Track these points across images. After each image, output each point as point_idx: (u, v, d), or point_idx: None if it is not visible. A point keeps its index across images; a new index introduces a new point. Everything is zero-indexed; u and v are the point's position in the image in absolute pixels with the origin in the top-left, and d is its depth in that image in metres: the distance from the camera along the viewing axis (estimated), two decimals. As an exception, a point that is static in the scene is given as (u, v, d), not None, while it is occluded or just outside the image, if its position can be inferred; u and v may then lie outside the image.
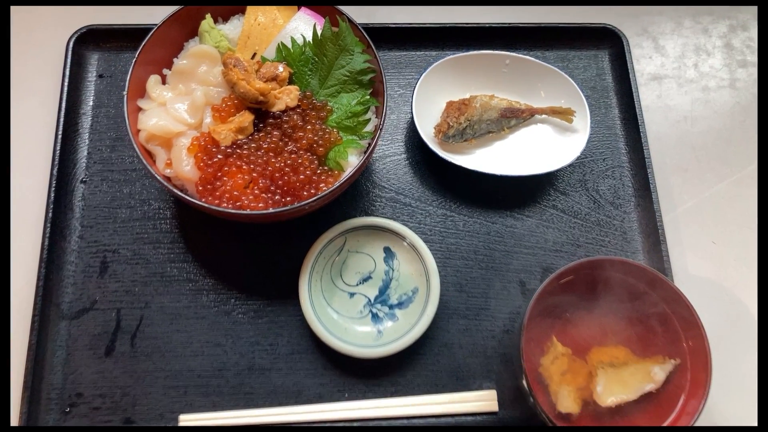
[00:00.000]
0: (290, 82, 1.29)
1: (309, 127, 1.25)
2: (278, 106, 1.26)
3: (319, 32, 1.29)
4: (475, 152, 1.49)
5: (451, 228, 1.43)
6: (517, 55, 1.51)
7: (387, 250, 1.37)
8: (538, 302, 1.13)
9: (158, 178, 1.15)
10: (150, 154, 1.24)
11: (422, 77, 1.44)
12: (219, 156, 1.21)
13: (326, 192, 1.19)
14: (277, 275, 1.33)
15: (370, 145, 1.25)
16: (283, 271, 1.33)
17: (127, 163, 1.43)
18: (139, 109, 1.26)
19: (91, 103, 1.48)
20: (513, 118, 1.50)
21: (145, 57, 1.24)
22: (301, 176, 1.22)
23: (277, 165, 1.21)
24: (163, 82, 1.29)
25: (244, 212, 1.15)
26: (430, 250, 1.32)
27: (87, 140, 1.46)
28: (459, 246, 1.42)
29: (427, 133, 1.40)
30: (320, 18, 1.34)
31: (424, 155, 1.47)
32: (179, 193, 1.16)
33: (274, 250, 1.35)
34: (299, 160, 1.22)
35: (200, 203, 1.17)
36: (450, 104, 1.46)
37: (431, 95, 1.45)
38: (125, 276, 1.35)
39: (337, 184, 1.20)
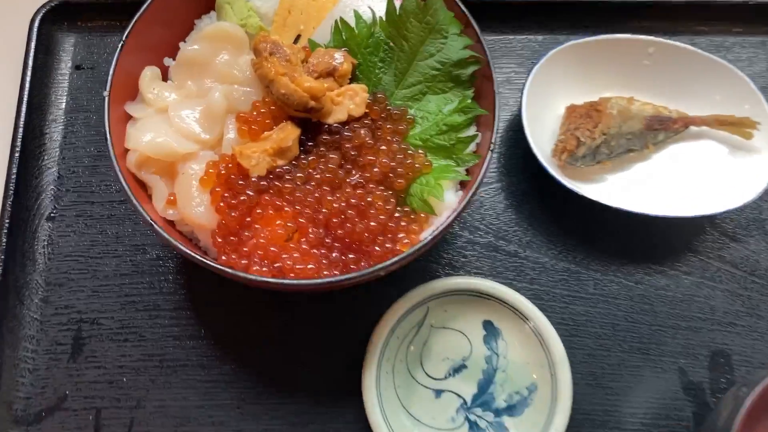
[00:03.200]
0: (353, 78, 1.01)
1: (383, 147, 0.96)
2: (337, 116, 0.96)
3: (397, 5, 1.00)
4: (606, 179, 1.18)
5: (576, 290, 1.13)
6: (664, 41, 1.19)
7: (488, 325, 1.07)
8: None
9: (153, 224, 0.89)
10: (143, 187, 0.98)
11: (534, 71, 1.15)
12: (248, 192, 0.93)
13: (412, 251, 0.89)
14: (329, 363, 1.07)
15: (475, 174, 0.96)
16: (337, 357, 1.06)
17: (113, 192, 1.16)
18: (129, 118, 0.99)
19: (63, 106, 1.22)
20: (661, 130, 1.17)
21: (137, 41, 0.98)
22: (372, 223, 0.93)
23: (335, 206, 0.93)
24: (164, 78, 1.03)
25: (286, 281, 0.88)
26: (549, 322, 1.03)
27: (57, 158, 1.18)
28: (590, 317, 1.11)
29: (541, 151, 1.12)
30: (392, -16, 1.08)
31: (534, 183, 1.19)
32: (185, 249, 0.88)
33: (324, 325, 1.09)
34: (369, 199, 0.94)
35: (218, 266, 0.87)
36: (572, 110, 1.18)
37: (544, 97, 1.17)
38: (108, 359, 1.06)
39: (427, 237, 0.90)
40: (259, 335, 1.09)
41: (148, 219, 0.89)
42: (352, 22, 1.00)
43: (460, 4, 1.00)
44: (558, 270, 1.14)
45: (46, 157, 1.18)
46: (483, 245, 1.15)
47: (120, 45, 0.96)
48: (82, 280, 1.11)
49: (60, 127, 1.21)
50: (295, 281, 0.88)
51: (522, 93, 1.14)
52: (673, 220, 1.11)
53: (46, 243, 1.13)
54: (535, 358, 1.04)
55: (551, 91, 1.19)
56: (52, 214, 1.15)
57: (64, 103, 1.22)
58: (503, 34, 1.31)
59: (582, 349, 1.09)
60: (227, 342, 1.08)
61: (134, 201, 0.89)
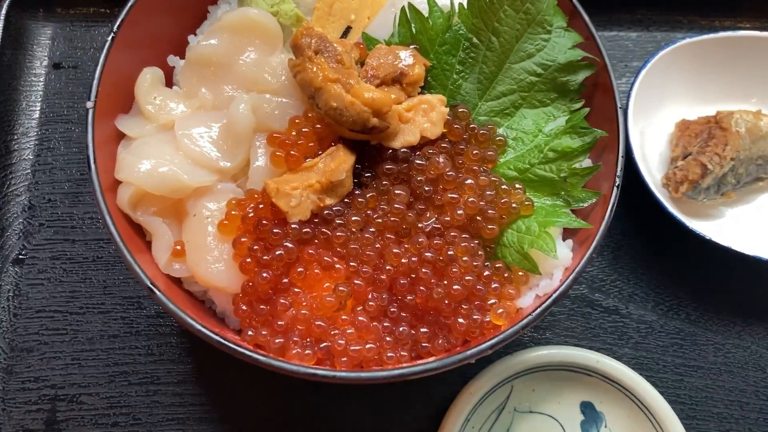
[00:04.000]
0: (424, 85, 0.79)
1: (469, 180, 0.76)
2: (406, 138, 0.77)
3: None
4: (726, 214, 1.01)
5: (692, 357, 0.97)
6: (799, 38, 1.04)
7: (588, 408, 0.91)
8: None
9: (154, 290, 0.70)
10: (140, 230, 0.80)
11: (641, 77, 0.97)
12: (286, 244, 0.73)
13: (512, 330, 0.70)
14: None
15: (596, 219, 0.74)
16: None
17: (101, 228, 1.00)
18: (122, 137, 0.82)
19: (37, 116, 1.05)
20: (797, 154, 1.02)
21: (132, 33, 0.82)
22: (455, 286, 0.74)
23: (403, 261, 0.74)
24: (169, 83, 0.88)
25: (338, 374, 0.68)
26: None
27: (28, 183, 1.01)
28: (711, 393, 0.95)
29: (651, 178, 0.95)
30: (477, -39, 0.88)
31: (636, 218, 1.02)
32: (195, 323, 0.69)
33: (378, 412, 0.92)
34: (450, 252, 0.75)
35: (243, 351, 0.67)
36: (685, 126, 1.00)
37: (649, 109, 1.00)
38: (93, 449, 0.88)
39: (534, 309, 0.71)
40: (288, 419, 0.92)
41: (147, 282, 0.69)
42: (422, 10, 0.79)
43: (563, -12, 0.77)
44: (669, 331, 0.98)
45: (13, 181, 1.01)
46: (574, 299, 0.99)
47: (109, 38, 0.78)
48: (58, 343, 0.94)
49: (32, 143, 1.04)
50: (349, 374, 0.67)
51: (626, 103, 0.96)
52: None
53: (11, 294, 0.96)
54: (648, 450, 0.87)
55: (657, 102, 1.02)
56: (20, 257, 0.98)
57: (38, 112, 1.06)
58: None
59: (704, 435, 0.91)
60: (247, 427, 0.91)
61: (127, 255, 0.71)
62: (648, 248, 1.00)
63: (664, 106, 1.02)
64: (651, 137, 1.00)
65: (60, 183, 1.01)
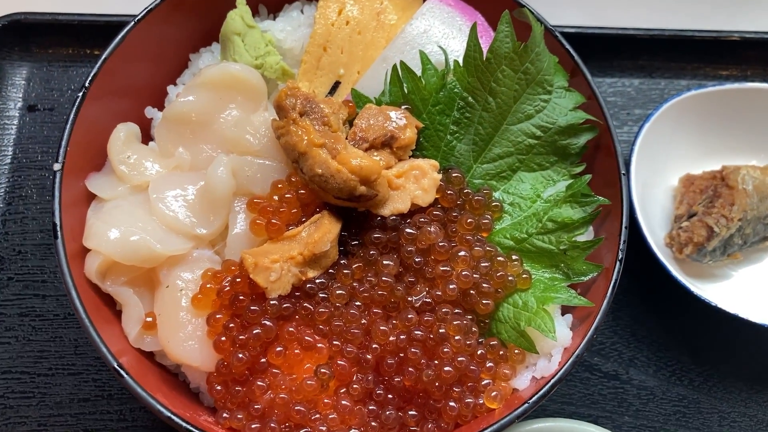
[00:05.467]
0: (416, 147, 0.75)
1: (462, 252, 0.70)
2: (395, 205, 0.71)
3: (483, 44, 0.73)
4: (732, 276, 0.96)
5: (696, 426, 0.91)
6: (807, 92, 0.99)
7: None
8: None
9: (120, 372, 0.64)
10: (110, 299, 0.74)
11: (645, 129, 0.93)
12: (265, 321, 0.67)
13: (508, 419, 0.65)
14: None
15: (597, 296, 0.70)
16: None
17: None
18: (92, 199, 0.76)
19: (9, 161, 0.99)
20: (806, 211, 0.97)
21: (107, 83, 0.77)
22: (446, 368, 0.68)
23: (390, 339, 0.69)
24: (146, 136, 0.82)
25: None
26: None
27: None
28: None
29: (652, 236, 0.89)
30: (472, 12, 0.80)
31: (638, 279, 0.97)
32: (165, 410, 0.64)
33: None
34: (441, 330, 0.69)
35: None
36: (689, 182, 0.96)
37: (652, 162, 0.95)
38: None
39: (531, 399, 0.66)
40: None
41: (113, 364, 0.63)
42: (415, 67, 0.74)
43: (565, 43, 0.73)
44: (671, 398, 0.93)
45: (-22, 233, 0.92)
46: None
47: (81, 93, 0.72)
48: (24, 407, 0.88)
49: (3, 190, 0.98)
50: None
51: (629, 156, 0.90)
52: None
53: (-28, 354, 0.87)
54: None
55: (661, 155, 0.97)
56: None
57: (9, 157, 1.00)
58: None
59: None
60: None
61: (93, 334, 0.65)
62: (649, 309, 0.95)
63: (667, 158, 0.97)
64: (653, 191, 0.95)
65: (32, 234, 0.95)
